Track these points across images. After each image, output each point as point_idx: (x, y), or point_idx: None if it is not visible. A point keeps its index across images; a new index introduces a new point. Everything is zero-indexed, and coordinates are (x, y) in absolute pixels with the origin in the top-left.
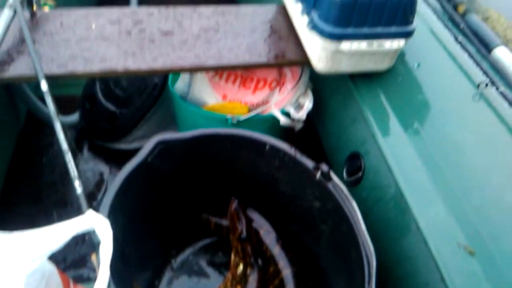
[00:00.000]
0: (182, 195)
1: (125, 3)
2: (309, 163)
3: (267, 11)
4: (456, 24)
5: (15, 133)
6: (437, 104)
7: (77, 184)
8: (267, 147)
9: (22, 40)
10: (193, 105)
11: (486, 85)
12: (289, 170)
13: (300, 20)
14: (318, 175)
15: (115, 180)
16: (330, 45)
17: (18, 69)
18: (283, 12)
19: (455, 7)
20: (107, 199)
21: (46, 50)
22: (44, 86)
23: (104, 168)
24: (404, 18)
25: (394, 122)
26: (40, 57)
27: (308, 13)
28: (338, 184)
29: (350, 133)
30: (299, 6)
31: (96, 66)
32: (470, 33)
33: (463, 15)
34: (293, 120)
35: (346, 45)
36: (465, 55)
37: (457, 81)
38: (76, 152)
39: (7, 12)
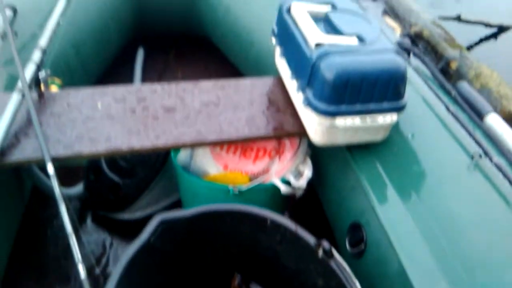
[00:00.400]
0: (184, 272)
1: (129, 79)
2: (311, 239)
3: (265, 83)
4: (447, 92)
5: (21, 206)
6: (433, 175)
7: (81, 268)
8: (268, 222)
9: (29, 122)
10: (195, 176)
11: (480, 156)
12: (291, 245)
13: (296, 96)
14: (320, 252)
15: (118, 265)
16: (325, 121)
17: (25, 152)
18: (280, 83)
19: (448, 64)
20: (110, 287)
21: (53, 131)
22: (50, 169)
23: (107, 239)
24: (395, 94)
25: (392, 193)
26: (47, 139)
27: (303, 91)
28: (340, 262)
29: (350, 201)
30: (295, 83)
31: (101, 146)
32: (461, 100)
33: (454, 82)
34: (293, 188)
35: (341, 121)
36: (458, 125)
37: (451, 152)
38: (78, 226)
39: (15, 97)
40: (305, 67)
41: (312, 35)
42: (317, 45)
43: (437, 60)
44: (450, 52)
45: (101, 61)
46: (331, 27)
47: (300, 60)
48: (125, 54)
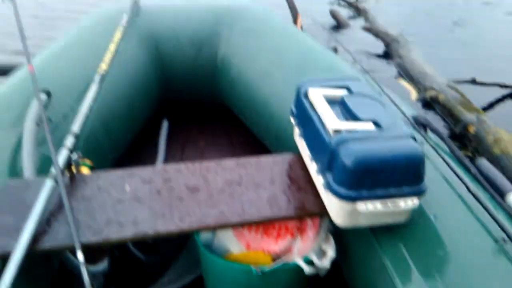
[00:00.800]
0: None
1: (154, 150)
2: None
3: (285, 160)
4: (467, 169)
5: (48, 285)
6: (458, 260)
7: None
8: None
9: (61, 207)
10: (217, 256)
11: (504, 240)
12: None
13: (316, 177)
14: None
15: None
16: (346, 205)
17: (57, 239)
18: (300, 160)
19: (466, 128)
20: None
21: (83, 217)
22: (80, 256)
23: None
24: (415, 178)
25: (417, 278)
26: (77, 224)
27: (323, 174)
28: None
29: (375, 285)
30: (314, 165)
31: (129, 231)
32: (481, 178)
33: (474, 159)
34: (317, 268)
35: (362, 206)
36: (480, 206)
37: (475, 235)
38: None
39: (49, 183)
40: (324, 152)
41: (330, 121)
42: (335, 131)
43: (454, 124)
44: (467, 116)
45: (128, 134)
46: (347, 112)
47: (319, 144)
48: (150, 125)
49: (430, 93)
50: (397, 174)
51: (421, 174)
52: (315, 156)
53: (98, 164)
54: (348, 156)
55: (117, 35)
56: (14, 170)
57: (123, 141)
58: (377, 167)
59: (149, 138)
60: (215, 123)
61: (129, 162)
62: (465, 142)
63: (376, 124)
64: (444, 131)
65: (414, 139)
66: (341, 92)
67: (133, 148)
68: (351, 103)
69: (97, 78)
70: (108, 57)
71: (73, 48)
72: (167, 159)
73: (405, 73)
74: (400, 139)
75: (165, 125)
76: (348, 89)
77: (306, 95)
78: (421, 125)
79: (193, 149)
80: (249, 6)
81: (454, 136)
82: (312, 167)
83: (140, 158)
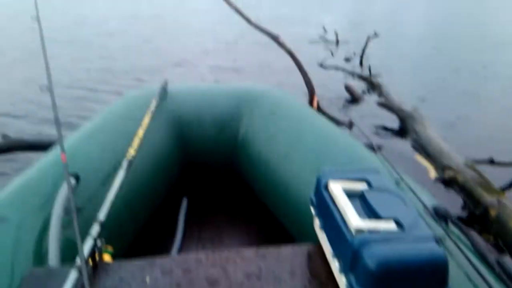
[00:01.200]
0: None
1: (173, 228)
2: None
3: (305, 251)
4: (490, 266)
5: None
6: None
7: None
8: None
9: None
10: None
11: None
12: None
13: (338, 276)
14: None
15: None
16: None
17: None
18: (321, 252)
19: (486, 210)
20: None
21: None
22: None
23: None
24: (438, 283)
25: None
26: None
27: (346, 274)
28: None
29: None
30: (336, 263)
31: None
32: (506, 278)
33: (495, 232)
34: None
35: None
36: None
37: None
38: None
39: (73, 275)
40: (346, 251)
41: (352, 220)
42: (358, 231)
43: (474, 206)
44: (487, 199)
45: (148, 215)
46: (368, 208)
47: (340, 241)
48: (169, 202)
49: (448, 173)
50: (420, 279)
51: (445, 279)
52: (337, 252)
53: (118, 244)
54: (371, 259)
55: (146, 120)
56: (39, 255)
57: (143, 222)
58: (401, 272)
59: (167, 216)
60: (234, 202)
61: (148, 241)
62: (486, 223)
63: (398, 223)
64: (464, 213)
65: (437, 241)
66: (361, 186)
67: (152, 226)
68: (371, 199)
69: (125, 163)
70: (136, 142)
71: (103, 132)
72: (185, 237)
73: (422, 149)
74: (423, 242)
75: (184, 204)
76: (368, 183)
77: (326, 187)
78: (442, 217)
79: (211, 228)
80: (268, 90)
81: (474, 218)
82: (334, 264)
83: (159, 237)
